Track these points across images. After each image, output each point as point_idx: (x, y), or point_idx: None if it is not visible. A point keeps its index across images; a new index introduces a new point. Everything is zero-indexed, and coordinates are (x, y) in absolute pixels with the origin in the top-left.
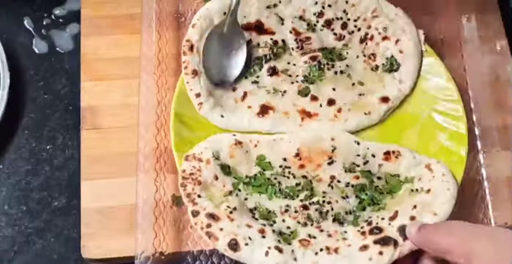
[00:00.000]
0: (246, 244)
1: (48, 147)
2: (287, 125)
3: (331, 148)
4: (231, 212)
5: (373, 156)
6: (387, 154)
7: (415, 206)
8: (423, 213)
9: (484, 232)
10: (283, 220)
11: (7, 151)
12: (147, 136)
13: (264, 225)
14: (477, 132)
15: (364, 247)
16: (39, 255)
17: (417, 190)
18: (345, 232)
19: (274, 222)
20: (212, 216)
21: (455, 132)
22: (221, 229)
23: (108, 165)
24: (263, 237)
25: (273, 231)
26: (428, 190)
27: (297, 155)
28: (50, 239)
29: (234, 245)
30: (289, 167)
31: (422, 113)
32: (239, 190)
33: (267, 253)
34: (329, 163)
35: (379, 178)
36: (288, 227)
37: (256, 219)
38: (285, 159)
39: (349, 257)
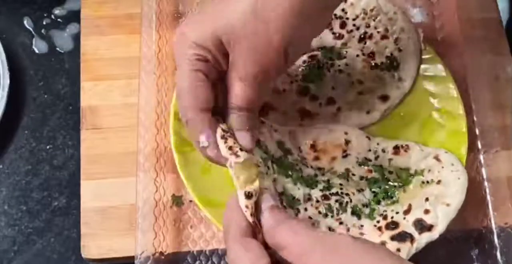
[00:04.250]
0: None
1: (48, 147)
2: (287, 124)
3: (345, 141)
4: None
5: (383, 151)
6: (396, 149)
7: (427, 199)
8: (436, 205)
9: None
10: (306, 209)
11: (7, 151)
12: (147, 136)
13: (296, 215)
14: (477, 131)
15: (382, 244)
16: (39, 255)
17: (427, 182)
18: (362, 226)
19: (298, 211)
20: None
21: (455, 130)
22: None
23: (108, 165)
24: None
25: None
26: (439, 181)
27: (312, 146)
28: (50, 239)
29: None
30: (304, 158)
31: (421, 111)
32: (268, 168)
33: None
34: (344, 157)
35: (390, 172)
36: (310, 218)
37: (284, 206)
38: (300, 150)
39: None
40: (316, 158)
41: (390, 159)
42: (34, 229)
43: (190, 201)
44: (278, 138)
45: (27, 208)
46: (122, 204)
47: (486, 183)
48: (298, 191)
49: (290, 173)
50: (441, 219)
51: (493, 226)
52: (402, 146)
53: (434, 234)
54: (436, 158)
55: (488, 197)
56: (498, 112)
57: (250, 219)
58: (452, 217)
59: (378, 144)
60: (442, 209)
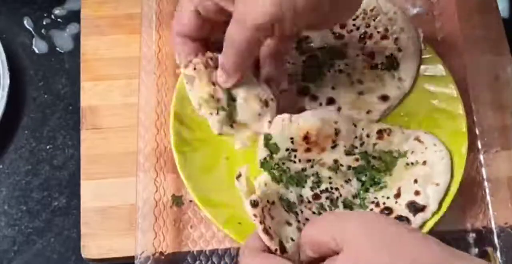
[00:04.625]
0: (291, 248)
1: (48, 147)
2: None
3: (335, 131)
4: (269, 209)
5: (368, 136)
6: (379, 133)
7: (416, 180)
8: (425, 185)
9: (351, 215)
10: (301, 211)
11: (7, 151)
12: (147, 136)
13: (298, 221)
14: (477, 132)
15: None
16: (39, 255)
17: (412, 163)
18: None
19: (297, 213)
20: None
21: (454, 130)
22: (269, 227)
23: (108, 165)
24: None
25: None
26: (424, 162)
27: (305, 138)
28: (50, 239)
29: (282, 248)
30: (295, 150)
31: (421, 111)
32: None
33: None
34: (333, 147)
35: (374, 157)
36: (307, 219)
37: (286, 211)
38: (292, 142)
39: None
40: (307, 150)
41: (374, 144)
42: (34, 229)
43: (190, 201)
44: (265, 134)
45: (27, 208)
46: (122, 204)
47: (486, 183)
48: (292, 194)
49: (277, 174)
50: (432, 199)
51: (493, 226)
52: (385, 130)
53: (427, 214)
54: (417, 139)
55: (488, 197)
56: (498, 112)
57: (260, 227)
58: (442, 196)
59: (363, 129)
60: (431, 189)
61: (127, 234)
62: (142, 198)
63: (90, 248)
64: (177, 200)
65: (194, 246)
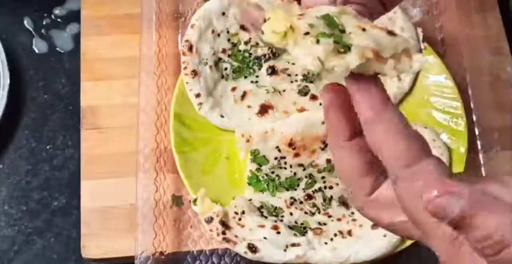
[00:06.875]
0: (264, 245)
1: (48, 147)
2: None
3: (326, 132)
4: (240, 219)
5: None
6: None
7: None
8: None
9: None
10: (291, 214)
11: (7, 151)
12: (147, 136)
13: (276, 221)
14: (477, 131)
15: (375, 225)
16: (39, 255)
17: None
18: (352, 213)
19: (283, 217)
20: (224, 224)
21: (454, 130)
22: (236, 236)
23: (108, 165)
24: (278, 233)
25: (285, 225)
26: None
27: (290, 144)
28: (50, 239)
29: (253, 248)
30: (284, 157)
31: (421, 110)
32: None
33: (286, 249)
34: (323, 148)
35: None
36: (296, 222)
37: (266, 216)
38: (279, 150)
39: (364, 237)
40: (296, 155)
41: None
42: (34, 229)
43: (190, 201)
44: (252, 148)
45: (27, 208)
46: (122, 204)
47: None
48: (279, 200)
49: (265, 186)
50: None
51: None
52: None
53: None
54: None
55: None
56: (498, 112)
57: (218, 238)
58: None
59: None
60: None
61: (127, 234)
62: (142, 198)
63: (90, 248)
64: (177, 200)
65: (194, 246)
